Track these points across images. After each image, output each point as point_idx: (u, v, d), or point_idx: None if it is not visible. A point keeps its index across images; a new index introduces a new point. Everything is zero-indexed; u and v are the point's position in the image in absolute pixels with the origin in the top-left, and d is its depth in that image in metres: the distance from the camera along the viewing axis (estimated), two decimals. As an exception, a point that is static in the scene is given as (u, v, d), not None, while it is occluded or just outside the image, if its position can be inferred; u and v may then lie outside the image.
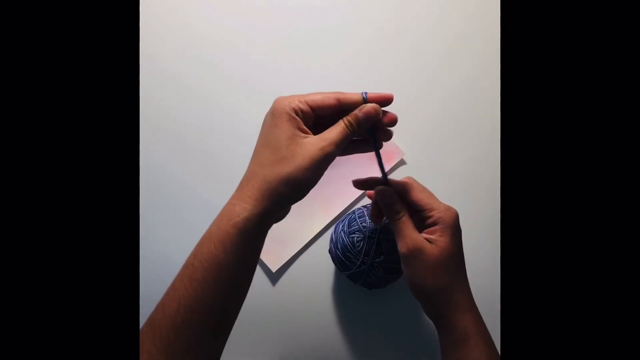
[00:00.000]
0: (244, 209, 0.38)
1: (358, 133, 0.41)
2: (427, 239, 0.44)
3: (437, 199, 0.46)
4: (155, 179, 0.63)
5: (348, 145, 0.43)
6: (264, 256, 0.61)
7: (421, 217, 0.45)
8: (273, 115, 0.40)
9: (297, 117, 0.40)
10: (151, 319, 0.38)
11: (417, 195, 0.45)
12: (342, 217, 0.57)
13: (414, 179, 0.47)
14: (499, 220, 0.37)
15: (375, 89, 0.62)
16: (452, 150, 0.62)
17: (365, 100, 0.41)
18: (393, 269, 0.53)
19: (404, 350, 0.59)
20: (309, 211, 0.61)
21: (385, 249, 0.52)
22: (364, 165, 0.61)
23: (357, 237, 0.53)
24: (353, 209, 0.59)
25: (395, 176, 0.62)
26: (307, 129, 0.40)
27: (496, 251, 0.59)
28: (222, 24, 0.64)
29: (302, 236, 0.61)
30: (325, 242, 0.61)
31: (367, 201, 0.61)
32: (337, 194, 0.61)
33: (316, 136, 0.40)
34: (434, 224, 0.44)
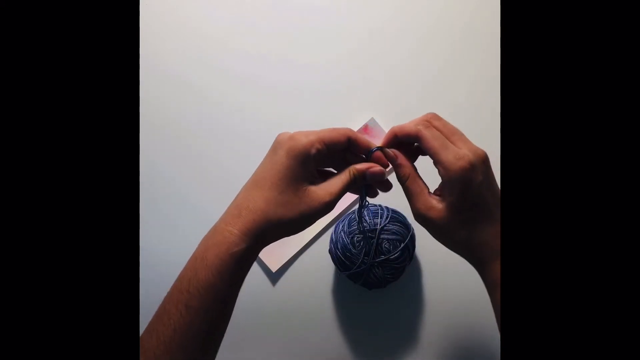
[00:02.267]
0: (243, 241, 0.39)
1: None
2: (439, 199, 0.41)
3: (451, 145, 0.40)
4: (155, 179, 0.63)
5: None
6: (264, 256, 0.61)
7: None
8: (289, 154, 0.39)
9: (314, 160, 0.39)
10: (144, 346, 0.38)
11: (428, 145, 0.40)
12: (342, 217, 0.57)
13: (430, 121, 0.41)
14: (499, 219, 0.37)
15: (375, 89, 0.63)
16: (452, 150, 0.62)
17: (369, 158, 0.42)
18: (393, 269, 0.53)
19: (404, 350, 0.59)
20: (309, 211, 0.61)
21: (385, 249, 0.52)
22: (364, 165, 0.61)
23: (357, 237, 0.53)
24: (353, 208, 0.59)
25: (395, 176, 0.62)
26: (316, 172, 0.41)
27: (496, 251, 0.59)
28: (222, 24, 0.64)
29: (302, 236, 0.61)
30: (325, 242, 0.61)
31: (367, 201, 0.61)
32: (337, 194, 0.61)
33: (322, 186, 0.40)
34: (443, 179, 0.41)
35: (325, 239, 0.61)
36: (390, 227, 0.53)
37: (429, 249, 0.60)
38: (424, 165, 0.45)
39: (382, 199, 0.61)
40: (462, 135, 0.41)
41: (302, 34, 0.64)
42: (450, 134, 0.41)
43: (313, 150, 0.39)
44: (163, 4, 0.64)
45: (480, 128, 0.63)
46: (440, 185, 0.41)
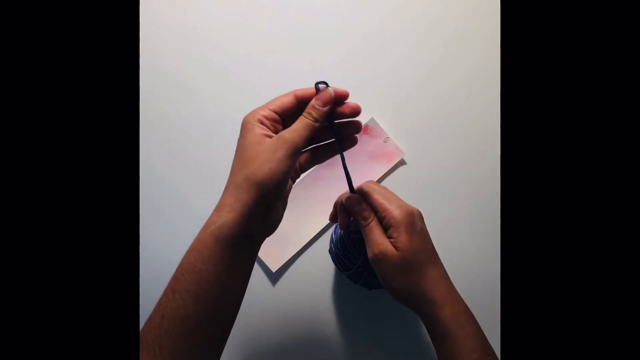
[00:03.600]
0: (219, 217, 0.39)
1: (321, 123, 0.43)
2: (391, 242, 0.44)
3: (396, 200, 0.46)
4: (155, 179, 0.63)
5: (321, 150, 0.47)
6: (264, 256, 0.61)
7: (382, 221, 0.46)
8: (241, 129, 0.42)
9: (262, 125, 0.41)
10: (141, 334, 0.38)
11: (376, 199, 0.46)
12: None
13: (374, 182, 0.48)
14: (499, 220, 0.37)
15: (375, 89, 0.63)
16: (452, 150, 0.62)
17: (318, 90, 0.43)
18: (393, 269, 0.53)
19: (404, 351, 0.59)
20: (309, 211, 0.61)
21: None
22: (363, 165, 0.61)
23: (358, 237, 0.53)
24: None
25: (395, 176, 0.62)
26: (275, 134, 0.42)
27: (496, 251, 0.59)
28: (221, 24, 0.64)
29: (302, 236, 0.61)
30: (325, 242, 0.61)
31: (367, 201, 0.61)
32: (337, 194, 0.61)
33: (283, 132, 0.41)
34: (389, 225, 0.45)
35: (325, 238, 0.61)
36: (390, 227, 0.53)
37: (429, 249, 0.60)
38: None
39: (382, 199, 0.61)
40: (398, 197, 0.48)
41: (302, 34, 0.63)
42: (390, 194, 0.47)
43: (259, 117, 0.41)
44: (163, 3, 0.64)
45: (480, 128, 0.63)
46: (388, 232, 0.45)
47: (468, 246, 0.60)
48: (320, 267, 0.61)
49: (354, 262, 0.53)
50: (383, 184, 0.62)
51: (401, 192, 0.63)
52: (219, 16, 0.64)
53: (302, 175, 0.57)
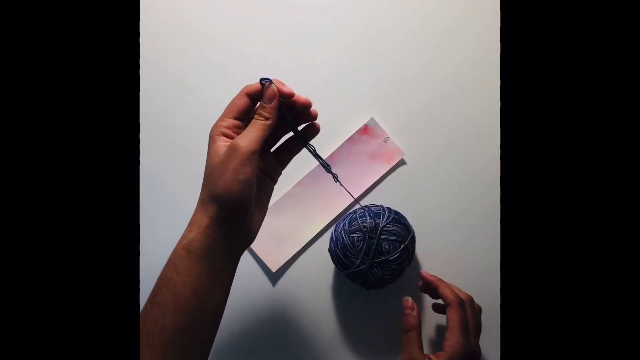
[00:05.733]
0: (190, 231, 0.41)
1: (274, 120, 0.42)
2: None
3: (450, 286, 0.53)
4: (155, 180, 0.63)
5: (290, 144, 0.47)
6: (264, 256, 0.61)
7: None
8: (209, 143, 0.43)
9: (224, 137, 0.42)
10: None
11: (440, 287, 0.53)
12: (343, 217, 0.57)
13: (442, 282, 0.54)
14: (499, 220, 0.37)
15: (375, 89, 0.63)
16: (452, 150, 0.62)
17: (263, 84, 0.43)
18: (392, 269, 0.53)
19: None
20: (309, 211, 0.61)
21: (385, 249, 0.52)
22: (363, 165, 0.61)
23: (358, 236, 0.53)
24: (354, 208, 0.59)
25: (395, 176, 0.62)
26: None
27: (496, 251, 0.59)
28: (221, 23, 0.64)
29: (302, 236, 0.61)
30: (325, 242, 0.61)
31: (367, 201, 0.61)
32: (337, 194, 0.61)
33: (238, 138, 0.41)
34: (443, 349, 0.48)
35: (325, 239, 0.61)
36: (391, 228, 0.53)
37: (429, 251, 0.60)
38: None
39: (383, 200, 0.61)
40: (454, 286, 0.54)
41: (301, 34, 0.63)
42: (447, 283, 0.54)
43: (220, 131, 0.42)
44: (163, 3, 0.64)
45: (480, 128, 0.63)
46: (436, 354, 0.49)
47: (468, 246, 0.60)
48: (320, 266, 0.61)
49: (353, 261, 0.53)
50: (383, 184, 0.62)
51: (401, 192, 0.63)
52: (218, 15, 0.64)
53: (302, 176, 0.57)
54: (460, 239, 0.60)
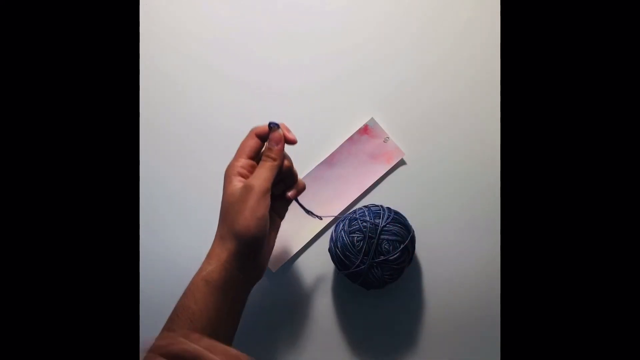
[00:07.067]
0: (209, 264, 0.44)
1: (281, 160, 0.47)
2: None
3: None
4: (155, 181, 0.63)
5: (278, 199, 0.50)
6: (264, 256, 0.61)
7: None
8: (223, 183, 0.47)
9: (239, 176, 0.46)
10: None
11: None
12: (343, 217, 0.57)
13: None
14: (499, 220, 0.37)
15: (375, 89, 0.63)
16: (452, 150, 0.62)
17: (271, 127, 0.48)
18: (392, 269, 0.53)
19: (402, 352, 0.59)
20: (309, 211, 0.61)
21: (385, 249, 0.53)
22: (363, 165, 0.61)
23: (358, 236, 0.53)
24: (354, 208, 0.59)
25: (395, 176, 0.62)
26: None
27: (496, 251, 0.59)
28: (220, 25, 0.64)
29: (302, 236, 0.61)
30: (325, 242, 0.61)
31: (367, 201, 0.61)
32: (337, 194, 0.61)
33: (251, 179, 0.45)
34: None
35: (325, 239, 0.61)
36: (391, 227, 0.53)
37: (429, 251, 0.60)
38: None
39: (383, 200, 0.61)
40: None
41: (302, 34, 0.63)
42: None
43: (237, 171, 0.46)
44: (162, 5, 0.64)
45: (480, 128, 0.63)
46: None
47: (468, 246, 0.60)
48: (320, 267, 0.61)
49: (353, 261, 0.53)
50: (383, 184, 0.62)
51: (401, 192, 0.63)
52: (219, 16, 0.64)
53: (302, 176, 0.57)
54: (460, 238, 0.60)
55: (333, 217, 0.59)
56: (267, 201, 0.45)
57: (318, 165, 0.61)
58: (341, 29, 0.63)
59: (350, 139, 0.61)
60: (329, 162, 0.61)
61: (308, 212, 0.55)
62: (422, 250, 0.59)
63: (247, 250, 0.44)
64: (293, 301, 0.61)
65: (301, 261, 0.62)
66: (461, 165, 0.62)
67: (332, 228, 0.57)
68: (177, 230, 0.62)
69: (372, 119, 0.62)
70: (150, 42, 0.63)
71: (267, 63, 0.63)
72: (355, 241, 0.53)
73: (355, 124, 0.62)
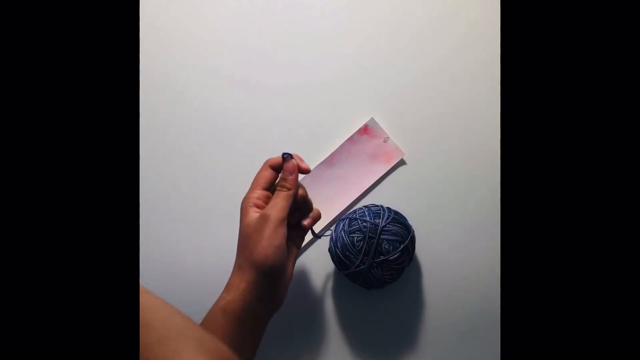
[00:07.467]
0: (228, 294, 0.45)
1: (295, 189, 0.48)
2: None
3: None
4: (155, 181, 0.63)
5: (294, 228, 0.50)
6: (264, 256, 0.61)
7: None
8: (240, 214, 0.48)
9: (256, 207, 0.47)
10: None
11: None
12: (343, 217, 0.57)
13: None
14: (499, 220, 0.37)
15: (375, 89, 0.63)
16: (452, 150, 0.62)
17: (285, 158, 0.49)
18: (392, 269, 0.53)
19: (402, 351, 0.59)
20: (309, 211, 0.61)
21: (385, 249, 0.53)
22: (363, 165, 0.61)
23: (358, 236, 0.53)
24: (354, 208, 0.59)
25: (395, 176, 0.62)
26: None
27: (496, 251, 0.59)
28: (220, 25, 0.64)
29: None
30: (325, 242, 0.61)
31: (367, 201, 0.61)
32: (337, 194, 0.61)
33: (267, 209, 0.46)
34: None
35: (325, 238, 0.61)
36: (391, 227, 0.53)
37: (429, 251, 0.60)
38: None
39: (383, 200, 0.61)
40: None
41: (302, 35, 0.63)
42: None
43: (253, 203, 0.47)
44: (162, 5, 0.64)
45: (480, 128, 0.63)
46: None
47: (468, 246, 0.60)
48: (320, 267, 0.61)
49: (353, 261, 0.53)
50: (383, 183, 0.62)
51: (401, 192, 0.63)
52: (219, 17, 0.64)
53: (302, 176, 0.57)
54: (460, 239, 0.60)
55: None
56: (284, 230, 0.45)
57: (318, 165, 0.61)
58: (341, 29, 0.63)
59: (350, 139, 0.62)
60: (329, 162, 0.61)
61: (319, 236, 0.56)
62: (422, 250, 0.59)
63: (265, 280, 0.45)
64: (293, 301, 0.61)
65: (301, 261, 0.62)
66: (461, 165, 0.62)
67: (332, 228, 0.58)
68: (177, 230, 0.62)
69: (372, 119, 0.62)
70: (150, 42, 0.63)
71: (267, 63, 0.63)
72: (355, 241, 0.53)
73: (355, 124, 0.62)
